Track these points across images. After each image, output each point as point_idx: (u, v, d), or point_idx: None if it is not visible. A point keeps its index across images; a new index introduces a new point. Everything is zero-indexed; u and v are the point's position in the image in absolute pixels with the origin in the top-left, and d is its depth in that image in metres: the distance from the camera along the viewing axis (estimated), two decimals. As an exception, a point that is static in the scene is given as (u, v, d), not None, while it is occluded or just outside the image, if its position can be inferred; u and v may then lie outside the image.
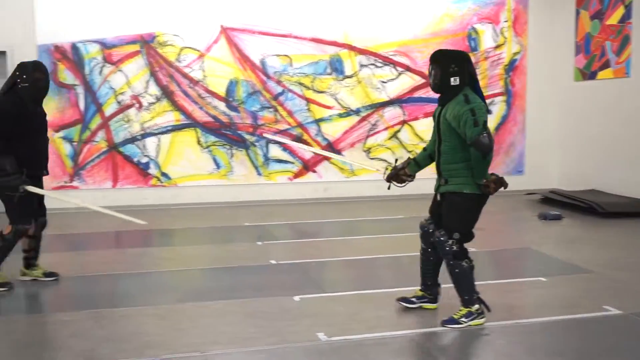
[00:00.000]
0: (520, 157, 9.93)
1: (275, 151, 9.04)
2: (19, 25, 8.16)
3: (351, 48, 9.14)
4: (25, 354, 3.68)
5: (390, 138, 9.37)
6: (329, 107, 9.16)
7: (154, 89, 8.60)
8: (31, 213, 4.96)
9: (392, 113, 9.38)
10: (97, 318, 4.24)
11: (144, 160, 8.68)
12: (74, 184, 8.49)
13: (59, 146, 8.39)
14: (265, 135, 8.36)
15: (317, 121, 9.13)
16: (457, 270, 4.01)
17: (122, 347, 3.77)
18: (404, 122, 9.41)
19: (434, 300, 4.34)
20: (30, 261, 5.20)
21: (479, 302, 4.07)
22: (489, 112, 9.63)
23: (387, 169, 4.44)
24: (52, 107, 8.30)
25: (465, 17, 9.49)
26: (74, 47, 8.35)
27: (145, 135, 8.63)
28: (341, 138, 9.23)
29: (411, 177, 4.38)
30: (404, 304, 4.32)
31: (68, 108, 8.38)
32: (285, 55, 8.95)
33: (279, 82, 8.96)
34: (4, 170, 4.68)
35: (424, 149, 4.38)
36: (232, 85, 8.83)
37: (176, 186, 8.79)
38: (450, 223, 4.02)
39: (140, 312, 4.38)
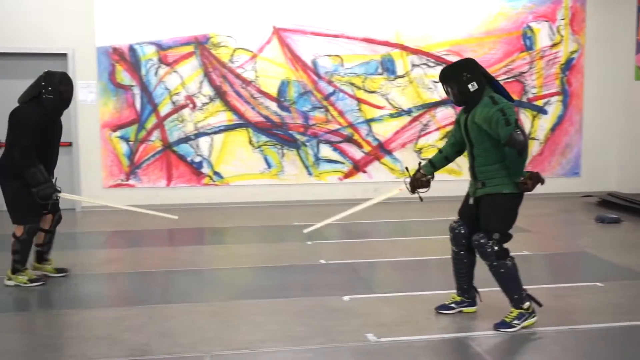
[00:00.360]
0: (576, 158, 9.69)
1: (326, 151, 9.08)
2: (79, 28, 8.45)
3: (403, 48, 9.10)
4: (81, 347, 3.81)
5: (442, 138, 9.28)
6: (380, 107, 9.14)
7: (207, 90, 8.76)
8: (37, 210, 5.00)
9: (444, 113, 9.29)
10: (152, 314, 4.36)
11: (197, 159, 8.85)
12: (130, 182, 8.73)
13: (115, 145, 8.64)
14: None
15: (368, 121, 9.13)
16: (502, 270, 3.97)
17: (176, 342, 3.86)
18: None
19: (472, 303, 4.31)
20: (42, 255, 5.27)
21: (529, 299, 4.02)
22: (544, 112, 9.49)
23: (405, 183, 4.49)
24: (109, 107, 8.56)
25: (520, 16, 9.32)
26: (131, 48, 8.58)
27: (198, 134, 8.81)
28: (392, 138, 9.21)
29: (429, 178, 4.43)
30: (444, 312, 4.30)
31: (125, 108, 8.62)
32: (337, 56, 8.98)
33: (330, 82, 9.00)
34: (36, 179, 4.77)
35: (440, 150, 4.43)
36: (283, 85, 8.91)
37: (228, 185, 8.94)
38: (490, 224, 4.00)
39: (194, 308, 4.48)
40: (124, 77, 8.60)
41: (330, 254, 6.04)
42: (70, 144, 8.62)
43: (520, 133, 3.81)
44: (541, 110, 9.54)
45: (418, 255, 5.96)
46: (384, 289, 4.94)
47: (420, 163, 4.42)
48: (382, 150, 9.19)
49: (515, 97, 9.40)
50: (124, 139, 8.66)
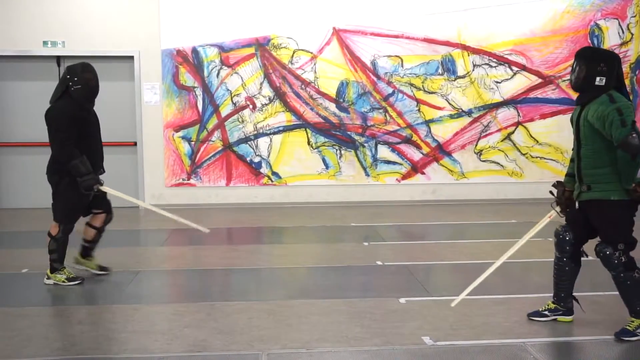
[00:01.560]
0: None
1: (384, 152, 9.06)
2: (145, 31, 8.71)
3: (464, 48, 8.98)
4: (142, 341, 3.94)
5: (503, 140, 9.11)
6: (439, 108, 9.05)
7: (267, 91, 8.88)
8: (77, 212, 5.12)
9: (506, 114, 9.12)
10: (210, 311, 4.46)
11: (256, 159, 8.98)
12: (191, 181, 8.94)
13: (178, 145, 8.87)
14: None
15: (427, 122, 9.05)
16: (628, 282, 3.76)
17: (234, 339, 3.94)
18: (518, 124, 9.12)
19: (568, 312, 4.11)
20: (88, 251, 5.35)
21: None
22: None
23: (553, 206, 4.13)
24: (172, 108, 8.79)
25: (588, 13, 9.05)
26: (194, 50, 8.79)
27: (258, 135, 8.94)
28: (452, 140, 9.10)
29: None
30: (537, 319, 4.15)
31: (187, 109, 8.84)
32: (397, 56, 8.94)
33: (389, 83, 8.97)
34: (79, 171, 4.86)
35: (572, 159, 4.06)
36: (342, 86, 8.94)
37: (286, 185, 9.03)
38: (611, 234, 3.76)
39: (252, 306, 4.56)
40: (187, 78, 8.81)
41: (387, 255, 6.02)
42: (134, 144, 8.90)
43: (636, 136, 3.54)
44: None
45: (475, 259, 5.87)
46: (440, 292, 4.89)
47: (556, 182, 4.10)
48: (441, 151, 9.09)
49: (580, 98, 9.13)
50: (186, 139, 8.88)
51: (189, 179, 8.95)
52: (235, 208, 8.74)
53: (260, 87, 8.88)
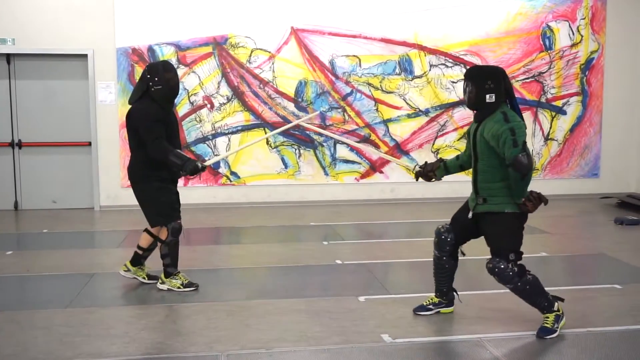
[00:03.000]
0: (595, 159, 9.59)
1: (342, 152, 9.09)
2: (100, 29, 8.53)
3: (421, 48, 9.08)
4: (97, 344, 3.85)
5: (459, 139, 9.24)
6: (397, 108, 9.13)
7: (225, 90, 8.81)
8: (174, 208, 4.96)
9: (462, 114, 9.25)
10: (169, 312, 4.40)
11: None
12: (149, 181, 8.79)
13: (134, 145, 8.71)
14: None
15: (386, 122, 9.12)
16: (527, 287, 3.91)
17: (193, 340, 3.90)
18: (474, 123, 9.26)
19: (450, 304, 4.37)
20: (140, 260, 5.18)
21: (555, 299, 4.01)
22: (563, 112, 9.40)
23: (415, 167, 4.54)
24: (128, 107, 8.61)
25: (540, 15, 9.25)
26: (150, 49, 8.65)
27: (216, 134, 8.86)
28: (409, 139, 9.19)
29: (435, 178, 4.47)
30: (422, 313, 4.34)
31: (144, 108, 8.68)
32: (354, 56, 8.98)
33: (347, 83, 9.00)
34: (176, 164, 4.66)
35: (457, 157, 4.40)
36: (301, 85, 8.94)
37: (245, 185, 8.98)
38: (502, 245, 3.90)
39: (210, 307, 4.51)
40: (143, 77, 8.65)
41: (346, 254, 6.04)
42: (89, 144, 8.71)
43: (525, 156, 3.75)
44: (560, 111, 9.46)
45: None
46: (399, 290, 4.93)
47: (440, 159, 4.46)
48: (399, 150, 9.17)
49: (534, 98, 9.34)
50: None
51: (145, 180, 8.79)
52: (194, 208, 8.63)
53: (218, 87, 8.80)
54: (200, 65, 8.76)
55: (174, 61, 8.67)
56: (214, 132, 8.85)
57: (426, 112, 9.18)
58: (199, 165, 4.69)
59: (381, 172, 9.19)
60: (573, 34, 9.35)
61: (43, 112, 8.66)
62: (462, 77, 9.02)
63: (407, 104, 9.13)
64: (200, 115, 8.81)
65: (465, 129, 9.22)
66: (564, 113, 9.46)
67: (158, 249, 5.05)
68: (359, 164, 9.15)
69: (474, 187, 4.05)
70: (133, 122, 4.78)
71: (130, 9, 8.58)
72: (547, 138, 9.44)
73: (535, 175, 9.36)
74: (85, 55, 8.55)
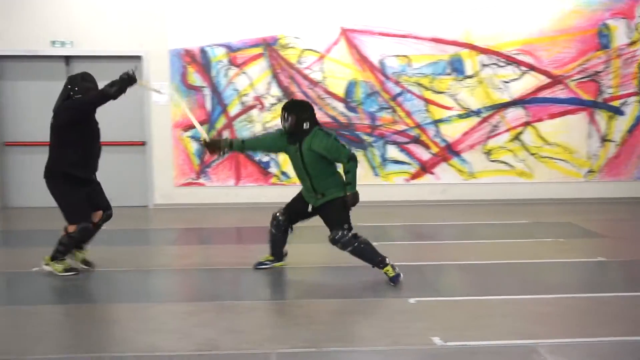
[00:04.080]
0: (655, 161, 9.28)
1: (393, 152, 9.05)
2: (153, 31, 8.73)
3: (472, 47, 8.96)
4: (151, 339, 3.95)
5: (512, 140, 9.09)
6: (448, 108, 9.03)
7: (275, 91, 8.89)
8: (88, 210, 5.33)
9: (515, 114, 9.09)
10: (220, 310, 4.47)
11: (265, 159, 8.99)
12: (200, 180, 8.96)
13: (187, 145, 8.89)
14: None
15: (436, 122, 9.03)
16: (362, 246, 5.12)
17: (244, 338, 3.95)
18: (527, 124, 9.09)
19: (281, 259, 5.55)
20: (79, 244, 5.49)
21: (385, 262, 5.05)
22: (620, 113, 9.13)
23: (205, 135, 5.46)
24: (181, 108, 8.79)
25: (596, 13, 9.00)
26: (202, 51, 8.80)
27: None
28: (460, 139, 9.08)
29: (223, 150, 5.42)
30: (261, 267, 5.46)
31: (196, 109, 8.85)
32: (404, 56, 8.92)
33: (397, 83, 8.96)
34: (116, 85, 5.13)
35: (243, 141, 5.52)
36: (351, 86, 8.94)
37: (295, 185, 9.01)
38: (338, 220, 5.17)
39: (262, 306, 4.57)
40: (195, 78, 8.83)
41: (396, 255, 5.98)
42: (143, 144, 8.92)
43: (350, 152, 5.13)
44: (617, 111, 9.18)
45: (485, 259, 5.86)
46: (450, 292, 4.88)
47: (226, 139, 5.43)
48: (450, 151, 9.08)
49: (590, 98, 9.10)
50: (195, 138, 8.89)
51: (198, 179, 8.97)
52: (244, 207, 8.74)
53: (269, 87, 8.88)
54: (250, 66, 8.86)
55: (225, 62, 8.80)
56: (264, 132, 8.92)
57: (478, 113, 9.05)
58: (131, 71, 5.15)
59: (432, 172, 9.11)
60: (631, 32, 9.07)
61: (99, 112, 8.86)
62: (515, 77, 8.97)
63: (458, 104, 9.03)
64: (251, 116, 8.91)
65: (519, 129, 9.07)
66: (622, 113, 9.18)
67: (64, 232, 5.29)
68: (409, 164, 9.09)
69: (312, 188, 5.19)
70: (59, 120, 5.20)
71: (182, 12, 8.74)
72: (603, 139, 9.18)
73: (591, 177, 9.13)
74: (140, 57, 8.76)
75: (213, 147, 5.38)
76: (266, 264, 5.54)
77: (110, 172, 8.97)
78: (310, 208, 5.29)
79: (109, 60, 8.82)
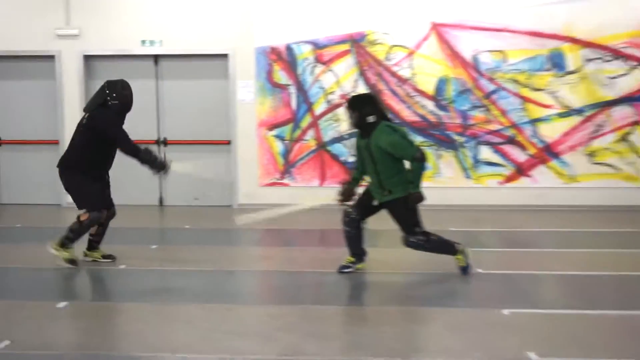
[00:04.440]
0: None
1: (486, 153, 8.84)
2: (239, 29, 8.93)
3: (574, 41, 8.60)
4: (234, 342, 4.02)
5: (618, 141, 8.66)
6: (547, 106, 8.72)
7: (362, 88, 8.87)
8: (103, 202, 5.73)
9: (622, 113, 8.66)
10: (304, 314, 4.50)
11: (351, 159, 8.99)
12: (285, 181, 9.08)
13: (271, 144, 9.03)
14: None
15: (533, 121, 8.74)
16: (435, 245, 5.38)
17: (328, 345, 3.96)
18: (635, 123, 8.64)
19: (361, 260, 5.58)
20: (93, 244, 5.92)
21: (454, 242, 5.39)
22: None
23: (340, 196, 5.57)
24: (266, 106, 8.96)
25: None
26: (288, 48, 8.92)
27: (352, 134, 8.93)
28: (560, 140, 8.74)
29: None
30: (345, 271, 5.50)
31: (281, 107, 8.98)
32: (499, 51, 8.70)
33: (491, 80, 8.74)
34: (150, 157, 5.58)
35: (357, 169, 5.59)
36: (441, 83, 8.80)
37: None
38: (409, 222, 5.33)
39: (346, 311, 4.57)
40: (281, 76, 8.96)
41: (489, 262, 5.86)
42: (229, 142, 9.14)
43: (421, 151, 5.11)
44: None
45: (587, 270, 5.61)
46: (548, 304, 4.70)
47: (344, 182, 5.60)
48: (548, 153, 8.76)
49: None
50: (280, 137, 9.02)
51: (282, 179, 9.10)
52: (329, 209, 8.77)
53: (356, 85, 8.88)
54: (337, 63, 8.89)
55: (311, 59, 8.88)
56: (350, 131, 8.93)
57: (580, 111, 8.69)
58: (168, 165, 5.63)
59: (528, 175, 8.83)
60: None
61: (186, 111, 9.22)
62: (623, 73, 8.55)
63: (559, 102, 8.70)
64: (337, 115, 8.95)
65: (626, 129, 8.65)
66: None
67: (73, 222, 5.67)
68: (504, 166, 8.85)
69: (379, 184, 5.26)
70: (96, 125, 5.56)
71: (268, 9, 8.89)
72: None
73: None
74: (226, 55, 8.98)
75: (347, 195, 5.56)
76: (349, 267, 5.57)
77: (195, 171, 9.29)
78: (376, 202, 5.41)
79: (197, 59, 9.12)
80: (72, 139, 5.76)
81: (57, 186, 6.03)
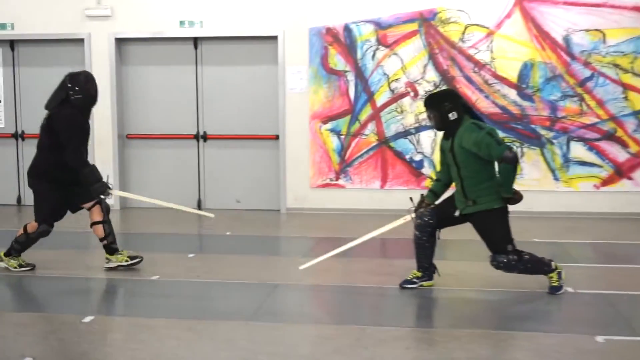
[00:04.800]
0: None
1: (578, 151, 8.69)
2: (290, 8, 9.02)
3: (689, 17, 8.37)
4: (285, 365, 4.06)
5: None
6: (653, 96, 8.53)
7: (431, 75, 8.83)
8: (58, 215, 6.01)
9: None
10: (360, 336, 4.50)
11: (417, 157, 8.96)
12: (340, 182, 9.10)
13: (325, 139, 9.08)
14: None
15: (637, 113, 8.57)
16: (529, 265, 5.22)
17: (387, 371, 3.95)
18: None
19: (429, 278, 5.57)
20: (111, 246, 6.08)
21: (553, 267, 5.33)
22: None
23: (410, 211, 5.62)
24: (320, 96, 9.01)
25: None
26: (347, 28, 8.95)
27: (420, 128, 8.91)
28: (670, 136, 8.55)
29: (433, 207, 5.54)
30: (408, 286, 5.51)
31: (337, 97, 9.02)
32: (597, 30, 8.55)
33: (586, 64, 8.59)
34: (90, 179, 5.77)
35: (437, 180, 5.65)
36: (526, 68, 8.70)
37: (452, 189, 8.90)
38: (498, 240, 5.19)
39: (409, 334, 4.55)
40: (337, 61, 8.99)
41: (580, 281, 5.77)
42: (276, 137, 9.23)
43: (511, 150, 4.99)
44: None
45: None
46: (652, 331, 4.58)
47: (422, 195, 5.60)
48: (654, 150, 8.57)
49: None
50: (335, 132, 9.06)
51: (337, 179, 9.13)
52: (391, 214, 8.74)
53: (424, 71, 8.85)
54: (403, 46, 8.87)
55: (372, 41, 8.89)
56: (417, 125, 8.91)
57: (696, 102, 8.46)
58: (107, 192, 5.84)
59: (630, 178, 8.67)
60: None
61: (228, 101, 9.35)
62: None
63: (668, 90, 8.50)
64: (402, 105, 8.93)
65: None
66: None
67: (22, 230, 6.03)
68: (600, 166, 8.69)
69: (462, 192, 5.25)
70: (55, 126, 5.80)
71: (326, -17, 8.95)
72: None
73: None
74: (275, 37, 9.08)
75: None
76: (414, 283, 5.56)
77: (239, 170, 9.42)
78: (458, 213, 5.36)
79: (241, 42, 9.26)
80: (38, 143, 6.04)
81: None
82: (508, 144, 5.18)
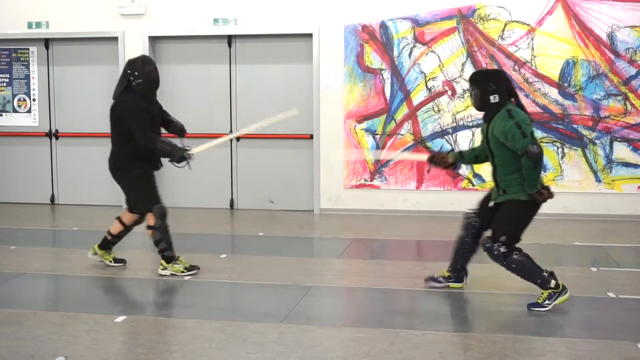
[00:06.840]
0: None
1: (622, 152, 8.58)
2: (324, 5, 9.03)
3: None
4: (317, 368, 4.08)
5: None
6: (702, 95, 8.38)
7: (470, 73, 8.75)
8: (157, 194, 6.05)
9: None
10: (394, 339, 4.50)
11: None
12: (375, 182, 9.10)
13: (360, 139, 9.08)
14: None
15: (685, 114, 8.43)
16: (513, 265, 5.08)
17: (421, 376, 3.95)
18: None
19: (459, 280, 5.57)
20: (108, 245, 6.29)
21: (553, 278, 5.06)
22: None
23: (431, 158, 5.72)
24: (355, 94, 9.02)
25: None
26: (383, 25, 8.94)
27: (457, 128, 8.86)
28: None
29: (451, 162, 5.65)
30: (433, 284, 5.57)
31: (373, 96, 9.01)
32: (643, 27, 8.44)
33: (631, 62, 8.47)
34: (165, 150, 5.80)
35: (473, 148, 5.76)
36: (568, 66, 8.60)
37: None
38: (501, 227, 5.14)
39: (444, 338, 4.53)
40: (373, 59, 8.99)
41: (623, 286, 5.70)
42: (310, 137, 9.26)
43: (535, 146, 4.89)
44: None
45: None
46: (698, 339, 4.51)
47: (451, 150, 5.58)
48: None
49: None
50: (370, 131, 9.06)
51: (372, 180, 9.13)
52: (427, 216, 8.73)
53: (462, 69, 8.80)
54: (441, 43, 8.84)
55: (409, 38, 8.86)
56: (454, 124, 8.87)
57: None
58: (187, 154, 5.80)
59: (676, 180, 8.51)
60: None
61: (262, 99, 9.40)
62: None
63: None
64: (439, 104, 8.89)
65: None
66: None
67: (150, 237, 6.02)
68: (645, 168, 8.57)
69: (494, 180, 5.28)
70: (118, 114, 5.93)
71: (362, -21, 8.95)
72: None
73: None
74: (310, 35, 9.10)
75: (437, 160, 5.70)
76: (439, 282, 5.59)
77: (272, 169, 9.47)
78: (492, 203, 5.37)
79: (276, 40, 9.30)
80: (111, 135, 6.12)
81: (117, 186, 6.28)
82: (534, 138, 4.99)
